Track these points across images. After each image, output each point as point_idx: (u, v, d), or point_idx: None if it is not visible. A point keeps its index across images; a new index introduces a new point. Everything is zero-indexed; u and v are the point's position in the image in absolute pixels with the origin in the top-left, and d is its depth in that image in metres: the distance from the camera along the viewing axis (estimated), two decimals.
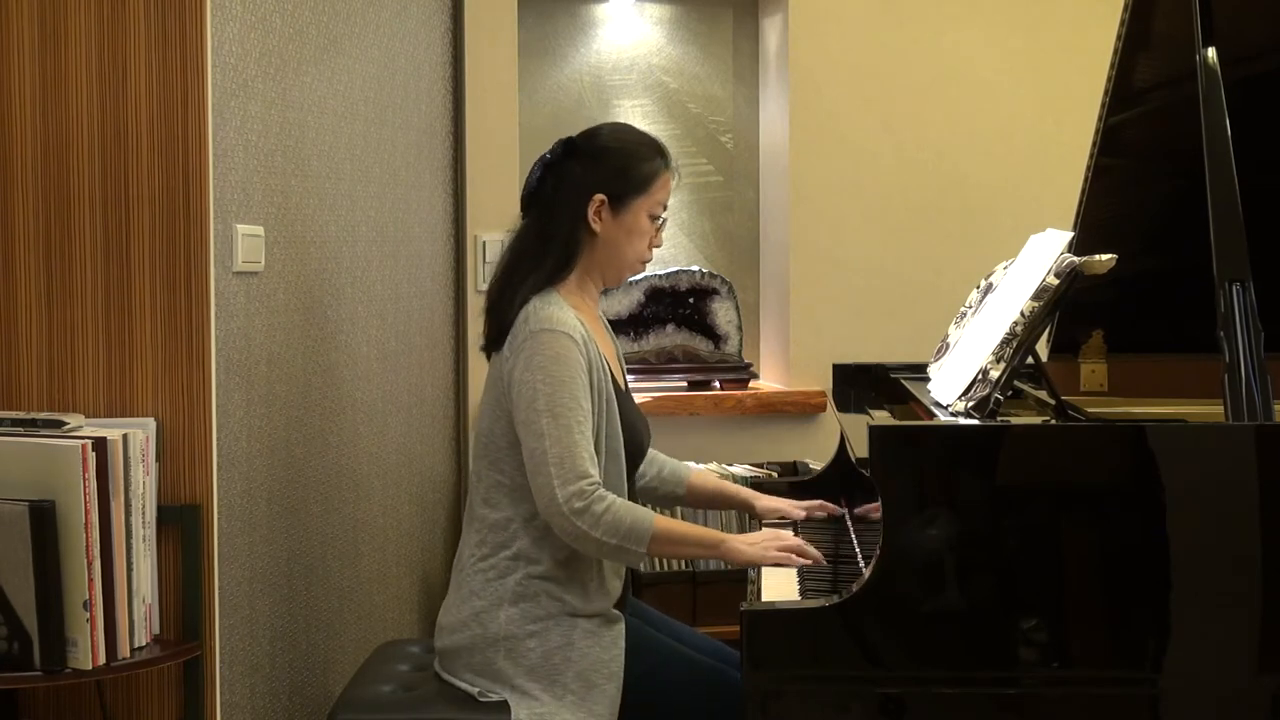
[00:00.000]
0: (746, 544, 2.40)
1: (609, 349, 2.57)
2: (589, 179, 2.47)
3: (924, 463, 2.03)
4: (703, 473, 2.84)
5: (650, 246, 2.53)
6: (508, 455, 2.42)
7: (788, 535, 2.46)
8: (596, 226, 2.47)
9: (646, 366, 3.97)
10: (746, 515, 2.98)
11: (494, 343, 2.47)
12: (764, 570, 2.42)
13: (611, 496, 2.33)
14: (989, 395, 2.15)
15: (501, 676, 2.36)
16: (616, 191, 2.47)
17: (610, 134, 2.55)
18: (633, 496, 2.55)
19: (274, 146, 2.66)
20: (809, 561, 2.39)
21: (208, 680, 2.39)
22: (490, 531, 2.43)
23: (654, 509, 2.42)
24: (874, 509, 2.25)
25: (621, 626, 2.41)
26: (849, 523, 2.66)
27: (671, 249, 4.21)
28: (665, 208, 2.54)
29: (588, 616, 2.38)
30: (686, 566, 3.58)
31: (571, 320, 2.40)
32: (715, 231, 4.25)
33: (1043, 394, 2.42)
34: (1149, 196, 2.62)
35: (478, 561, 2.43)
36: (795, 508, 2.71)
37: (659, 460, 2.76)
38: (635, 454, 2.53)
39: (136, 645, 2.30)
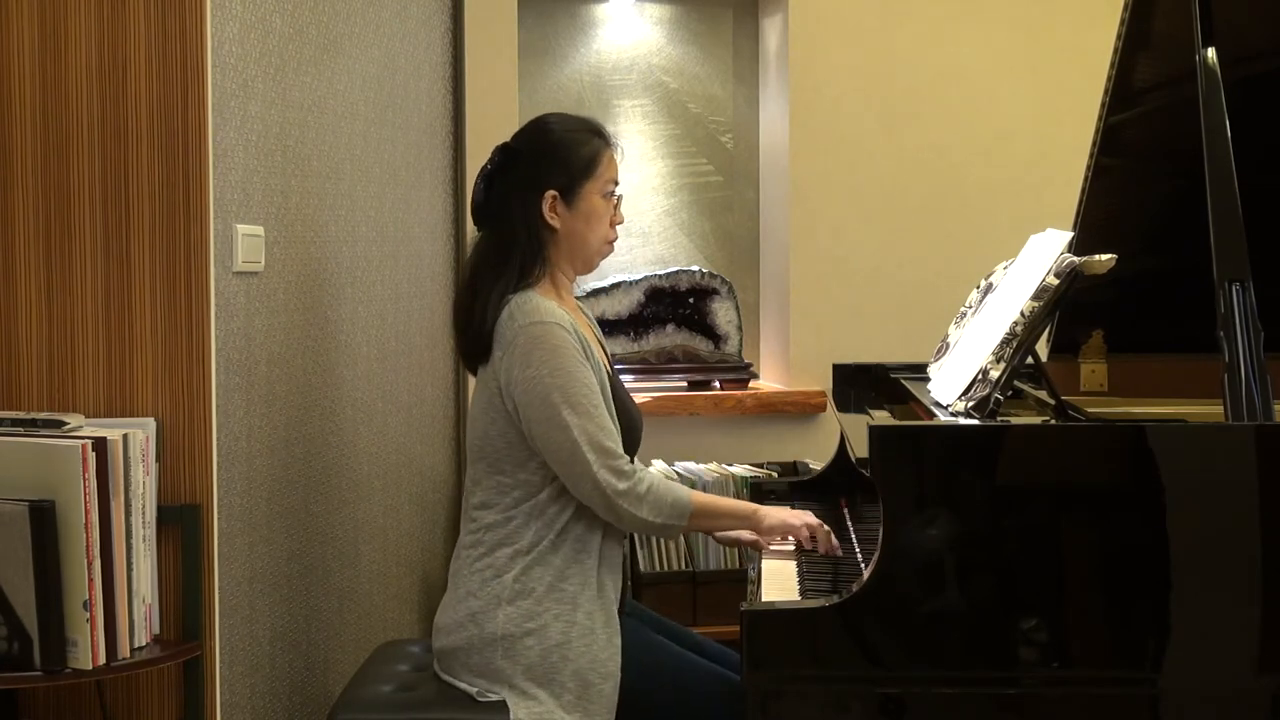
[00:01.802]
0: (771, 511, 2.52)
1: (595, 339, 2.57)
2: (535, 179, 2.48)
3: (924, 463, 2.03)
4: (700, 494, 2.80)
5: (612, 225, 2.55)
6: (506, 455, 2.43)
7: (808, 520, 2.53)
8: (555, 223, 2.48)
9: (646, 366, 3.97)
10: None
11: (478, 356, 2.47)
12: (764, 570, 2.42)
13: (649, 475, 2.39)
14: (989, 395, 2.15)
15: (500, 676, 2.36)
16: (564, 184, 2.48)
17: (544, 128, 2.55)
18: None
19: (274, 146, 2.66)
20: (829, 543, 2.48)
21: (208, 680, 2.39)
22: (487, 531, 2.43)
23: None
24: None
25: (618, 626, 2.41)
26: (849, 523, 2.66)
27: (671, 249, 4.21)
28: (617, 184, 2.55)
29: (585, 612, 2.38)
30: (686, 566, 3.58)
31: (557, 311, 2.42)
32: (715, 231, 4.25)
33: (1043, 394, 2.42)
34: (1149, 196, 2.62)
35: (474, 561, 2.43)
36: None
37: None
38: (633, 436, 2.54)
39: (136, 645, 2.30)
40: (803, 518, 2.52)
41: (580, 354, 2.39)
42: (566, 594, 2.39)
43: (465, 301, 2.50)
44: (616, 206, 2.55)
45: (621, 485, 2.35)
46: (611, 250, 2.59)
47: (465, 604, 2.42)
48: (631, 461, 2.58)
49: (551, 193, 2.48)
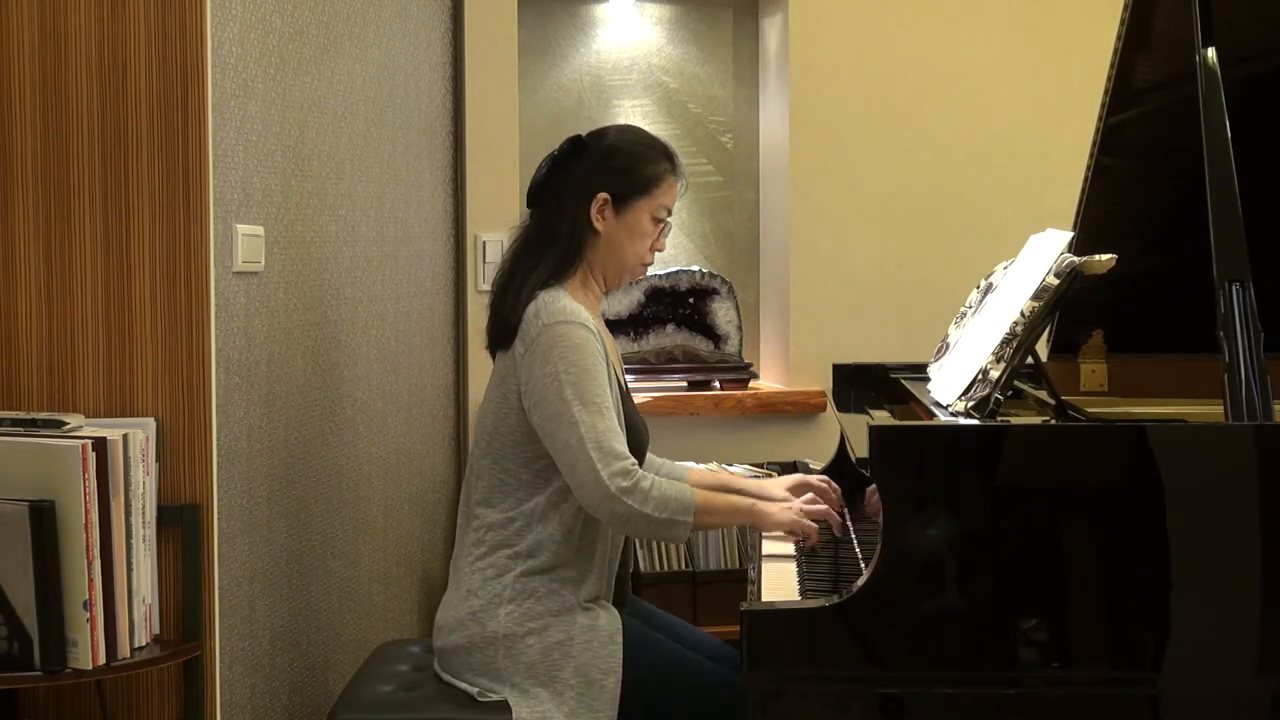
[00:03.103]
0: (777, 508, 2.50)
1: (612, 347, 2.57)
2: (593, 177, 2.48)
3: (924, 463, 2.02)
4: (700, 471, 2.83)
5: (652, 250, 2.54)
6: (513, 453, 2.43)
7: (811, 499, 2.54)
8: (599, 225, 2.49)
9: (646, 366, 3.97)
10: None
11: (500, 341, 2.48)
12: (764, 570, 2.43)
13: (652, 474, 2.37)
14: (989, 395, 2.15)
15: (501, 675, 2.36)
16: (620, 191, 2.49)
17: (619, 134, 2.57)
18: None
19: (274, 146, 2.66)
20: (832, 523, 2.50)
21: (208, 680, 2.39)
22: (489, 531, 2.43)
23: None
24: (874, 504, 2.25)
25: (619, 623, 2.41)
26: (849, 523, 2.66)
27: (672, 249, 4.21)
28: (669, 212, 2.55)
29: (585, 610, 2.38)
30: (686, 566, 3.58)
31: (582, 313, 2.42)
32: (715, 231, 4.25)
33: (1043, 394, 2.42)
34: (1149, 196, 2.62)
35: (475, 560, 2.43)
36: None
37: (655, 463, 2.75)
38: (639, 451, 2.54)
39: (136, 645, 2.30)
40: (798, 508, 2.50)
41: (601, 356, 2.40)
42: (566, 596, 2.38)
43: (502, 283, 2.51)
44: (662, 233, 2.55)
45: (626, 483, 2.32)
46: (644, 274, 2.60)
47: (466, 603, 2.42)
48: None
49: (604, 195, 2.48)
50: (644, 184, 2.50)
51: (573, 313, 2.40)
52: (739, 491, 2.73)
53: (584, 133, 2.56)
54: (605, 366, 2.40)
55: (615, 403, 2.42)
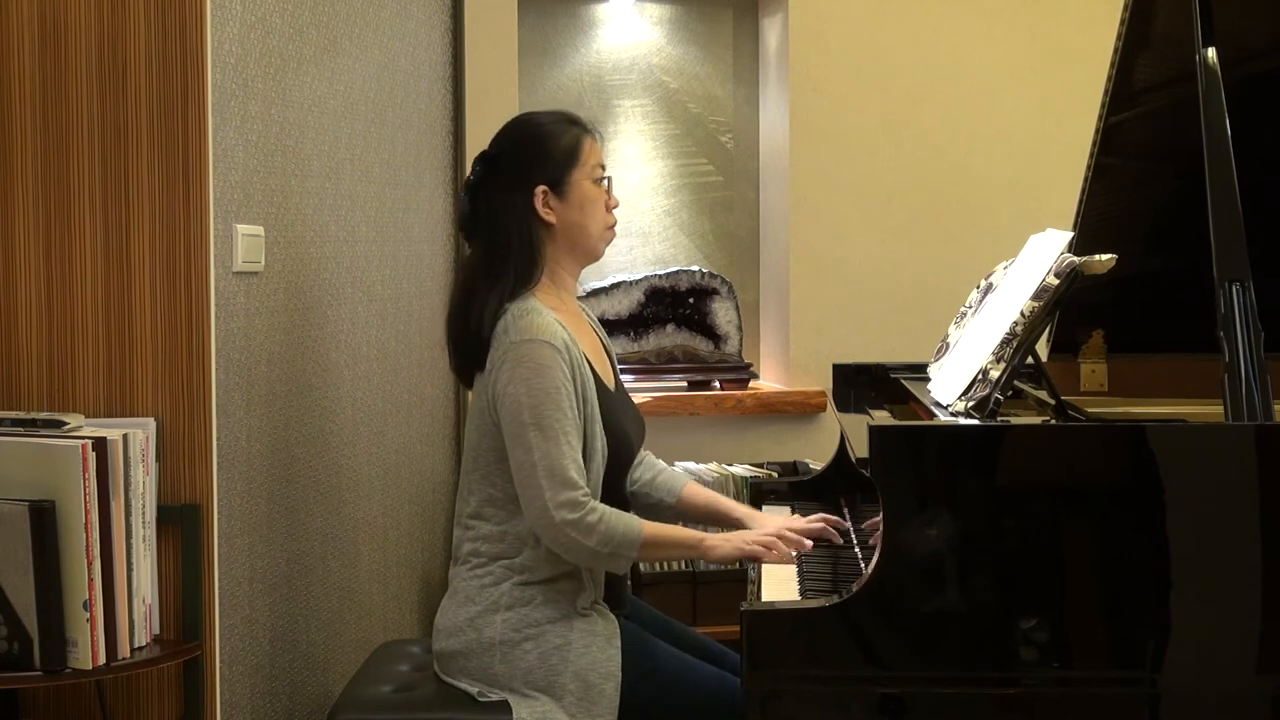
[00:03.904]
0: (721, 539, 2.45)
1: (594, 347, 2.54)
2: (521, 178, 2.45)
3: (924, 462, 2.03)
4: (697, 486, 2.75)
5: (609, 210, 2.52)
6: (497, 469, 2.41)
7: (767, 531, 2.48)
8: (550, 217, 2.46)
9: (646, 366, 3.97)
10: None
11: (472, 365, 2.45)
12: (764, 570, 2.42)
13: (602, 506, 2.34)
14: (989, 395, 2.15)
15: (498, 681, 2.36)
16: (553, 175, 2.46)
17: (519, 128, 2.53)
18: (624, 500, 2.54)
19: (274, 146, 2.66)
20: (789, 554, 2.43)
21: (208, 680, 2.39)
22: (485, 542, 2.42)
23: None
24: (875, 521, 2.25)
25: (616, 626, 2.41)
26: (849, 523, 2.66)
27: (672, 249, 4.22)
28: (604, 168, 2.53)
29: (582, 616, 2.38)
30: (686, 567, 3.58)
31: (552, 327, 2.38)
32: (715, 231, 4.25)
33: (1043, 394, 2.42)
34: (1149, 196, 2.63)
35: (474, 568, 2.43)
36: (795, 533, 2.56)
37: (654, 467, 2.73)
38: (623, 457, 2.51)
39: (136, 645, 2.29)
40: (746, 539, 2.45)
41: (566, 375, 2.35)
42: (563, 604, 2.38)
43: (460, 311, 2.46)
44: (609, 191, 2.52)
45: (571, 515, 2.29)
46: (614, 235, 2.56)
47: (464, 609, 2.41)
48: (624, 477, 2.57)
49: (541, 188, 2.45)
50: (566, 156, 2.46)
51: (539, 329, 2.36)
52: (730, 516, 2.66)
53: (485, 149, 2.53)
54: (572, 384, 2.36)
55: (590, 412, 2.39)
